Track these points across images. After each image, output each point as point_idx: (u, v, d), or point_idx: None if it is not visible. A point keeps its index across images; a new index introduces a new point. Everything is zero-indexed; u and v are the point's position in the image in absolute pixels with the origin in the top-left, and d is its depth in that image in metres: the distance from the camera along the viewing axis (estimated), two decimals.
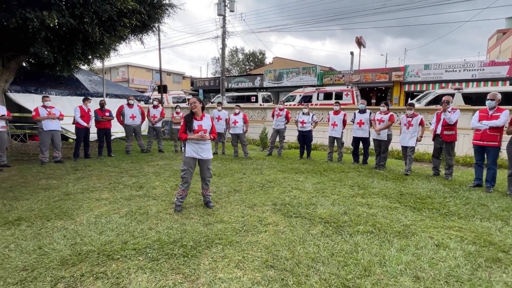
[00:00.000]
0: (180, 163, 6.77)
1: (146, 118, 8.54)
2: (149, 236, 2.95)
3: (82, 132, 7.13)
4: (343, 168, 6.37)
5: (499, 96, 4.86)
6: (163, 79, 14.45)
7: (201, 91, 30.34)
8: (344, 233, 3.11)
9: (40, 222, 3.28)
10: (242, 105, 13.38)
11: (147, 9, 8.22)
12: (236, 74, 40.68)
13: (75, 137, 7.66)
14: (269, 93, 21.41)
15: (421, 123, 6.01)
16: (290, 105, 15.54)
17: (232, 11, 17.66)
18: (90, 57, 8.97)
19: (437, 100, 11.13)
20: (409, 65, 20.10)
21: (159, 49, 12.41)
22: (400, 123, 6.45)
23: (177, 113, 8.64)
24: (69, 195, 4.25)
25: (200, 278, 2.29)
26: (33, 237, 2.91)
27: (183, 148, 3.90)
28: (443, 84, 18.08)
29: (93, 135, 7.69)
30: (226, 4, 17.31)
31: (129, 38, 9.10)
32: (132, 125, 8.08)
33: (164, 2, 8.95)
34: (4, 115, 6.18)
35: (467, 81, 17.62)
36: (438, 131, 5.76)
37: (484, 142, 4.88)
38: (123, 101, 9.22)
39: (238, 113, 7.95)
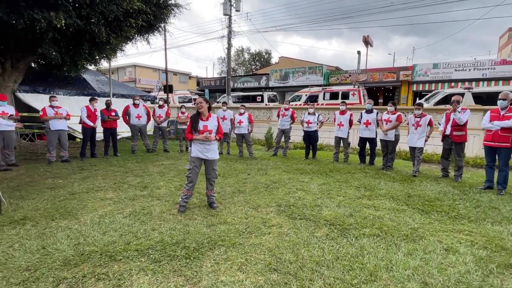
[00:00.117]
0: (185, 163, 6.81)
1: (152, 118, 8.57)
2: (152, 237, 2.93)
3: (89, 131, 7.19)
4: (349, 169, 6.27)
5: (511, 96, 4.72)
6: (169, 79, 14.53)
7: (207, 91, 30.43)
8: (349, 236, 3.04)
9: (45, 221, 3.30)
10: (247, 105, 13.33)
11: (153, 9, 8.25)
12: (242, 74, 40.70)
13: (82, 137, 7.73)
14: (275, 93, 21.34)
15: (430, 124, 5.88)
16: (295, 105, 15.46)
17: (238, 10, 17.65)
18: (97, 57, 9.07)
19: (446, 99, 10.92)
20: (417, 64, 19.78)
21: (165, 49, 12.46)
22: (408, 123, 6.33)
23: (182, 113, 8.65)
24: (74, 195, 4.27)
25: (202, 281, 2.25)
26: (37, 236, 2.92)
27: (189, 147, 3.90)
28: (453, 84, 17.74)
29: (99, 135, 7.76)
30: (232, 3, 17.30)
31: (135, 39, 9.17)
32: (137, 125, 8.12)
33: (170, 2, 8.98)
34: (12, 115, 6.26)
35: (477, 80, 17.25)
36: (448, 132, 5.62)
37: (496, 143, 4.74)
38: (129, 101, 9.28)
39: (243, 113, 7.91)
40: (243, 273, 2.37)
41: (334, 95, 16.36)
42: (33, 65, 9.63)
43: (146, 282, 2.22)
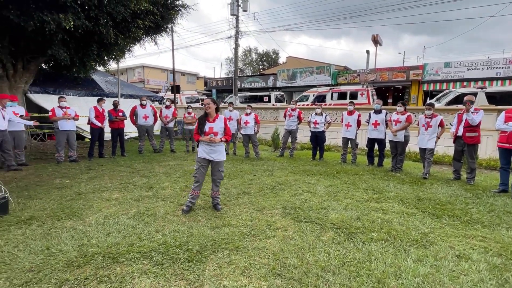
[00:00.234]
0: (192, 163, 6.81)
1: (159, 119, 8.61)
2: (155, 239, 2.91)
3: (97, 132, 7.26)
4: (357, 171, 6.15)
5: None
6: (177, 80, 14.66)
7: (214, 91, 30.52)
8: (356, 240, 2.95)
9: (50, 221, 3.32)
10: (254, 105, 13.28)
11: (160, 10, 8.30)
12: (250, 74, 40.69)
13: (90, 137, 7.82)
14: (282, 93, 21.23)
15: (441, 124, 5.71)
16: (303, 105, 15.33)
17: (245, 10, 17.63)
18: (105, 58, 9.16)
19: (458, 99, 10.63)
20: (428, 63, 19.37)
21: (172, 49, 12.53)
22: (418, 124, 6.16)
23: (189, 113, 8.66)
24: (81, 195, 4.30)
25: (204, 285, 2.21)
26: (42, 237, 2.93)
27: (195, 148, 3.91)
28: (465, 83, 17.30)
29: (107, 135, 7.83)
30: (239, 4, 17.29)
31: (143, 39, 9.23)
32: (144, 125, 8.17)
33: (177, 3, 9.02)
34: (22, 115, 6.38)
35: (491, 79, 16.77)
36: (460, 133, 5.44)
37: (511, 145, 4.56)
38: (137, 102, 9.35)
39: (250, 113, 7.87)
40: (246, 277, 2.32)
41: (342, 95, 16.15)
42: (43, 66, 9.80)
43: (148, 285, 2.19)
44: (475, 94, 9.93)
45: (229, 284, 2.22)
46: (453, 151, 5.82)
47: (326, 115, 7.51)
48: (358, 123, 7.04)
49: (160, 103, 12.37)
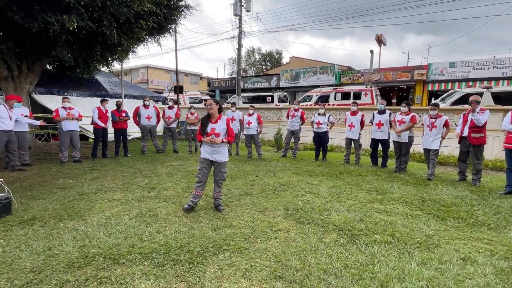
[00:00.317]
0: (194, 163, 6.81)
1: (162, 119, 8.62)
2: (157, 240, 2.90)
3: (100, 132, 7.29)
4: (361, 171, 6.10)
5: None
6: (181, 80, 14.68)
7: (217, 91, 30.56)
8: (359, 242, 2.92)
9: (53, 222, 3.33)
10: (256, 105, 13.27)
11: (163, 11, 8.31)
12: (253, 75, 40.68)
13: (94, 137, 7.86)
14: (285, 93, 21.18)
15: (446, 125, 5.64)
16: (306, 105, 15.28)
17: (248, 11, 17.64)
18: (109, 59, 9.20)
19: (463, 99, 10.52)
20: (432, 63, 19.20)
21: (175, 50, 12.56)
22: (422, 124, 6.09)
23: (192, 113, 8.67)
24: (83, 195, 4.31)
25: (204, 287, 2.20)
26: (44, 237, 2.94)
27: (198, 148, 3.93)
28: (470, 83, 17.11)
29: (110, 135, 7.86)
30: (242, 4, 17.29)
31: (146, 40, 9.26)
32: (147, 126, 8.19)
33: (180, 3, 9.03)
34: (27, 116, 6.43)
35: (497, 79, 16.56)
36: (465, 134, 5.36)
37: None
38: (140, 102, 9.39)
39: (252, 113, 7.85)
40: (247, 280, 2.29)
41: (345, 95, 16.07)
42: (48, 67, 9.88)
43: (148, 287, 2.18)
44: (481, 94, 9.80)
45: (229, 286, 2.20)
46: (458, 152, 5.74)
47: (329, 116, 7.46)
48: (362, 124, 6.98)
49: (163, 104, 12.40)
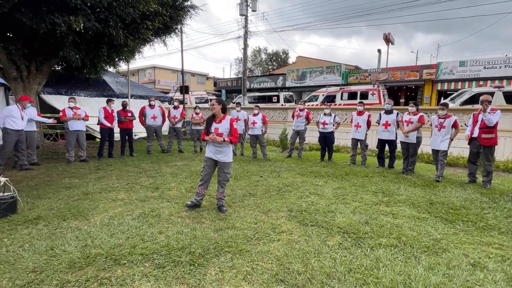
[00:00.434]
0: (199, 163, 6.80)
1: (167, 119, 8.65)
2: (158, 241, 2.88)
3: (106, 132, 7.36)
4: (367, 173, 6.00)
5: None
6: (187, 80, 14.77)
7: (223, 91, 30.61)
8: (364, 245, 2.84)
9: (56, 221, 3.35)
10: (262, 105, 13.23)
11: (169, 11, 8.33)
12: (259, 74, 40.64)
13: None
14: (291, 93, 21.08)
15: (455, 125, 5.49)
16: (311, 105, 15.16)
17: (254, 10, 17.63)
18: (116, 59, 9.27)
19: (473, 99, 10.27)
20: (442, 62, 18.84)
21: (181, 50, 12.61)
22: (431, 125, 5.96)
23: (197, 113, 8.67)
24: (88, 195, 4.34)
25: None
26: (48, 237, 2.95)
27: (203, 148, 3.95)
28: (481, 82, 16.73)
29: (117, 135, 7.93)
30: (248, 4, 17.27)
31: (152, 41, 9.30)
32: (153, 126, 8.23)
33: (185, 3, 9.04)
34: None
35: (509, 78, 16.15)
36: (475, 134, 5.21)
37: None
38: (146, 102, 9.45)
39: (257, 113, 7.81)
40: (248, 283, 2.25)
41: (352, 95, 15.89)
42: (56, 67, 10.02)
43: None
44: (492, 94, 9.55)
45: None
46: (468, 153, 5.59)
47: (335, 116, 7.38)
48: (368, 124, 6.87)
49: (169, 104, 12.46)
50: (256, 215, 3.62)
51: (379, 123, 6.56)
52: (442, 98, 17.68)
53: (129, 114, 7.71)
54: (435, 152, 5.72)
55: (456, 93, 12.68)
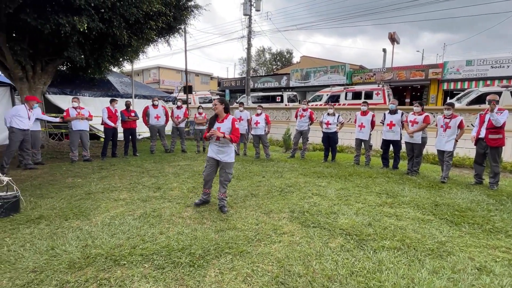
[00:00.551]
0: (202, 163, 6.80)
1: (170, 119, 8.67)
2: (159, 241, 2.87)
3: (110, 132, 7.40)
4: (371, 173, 5.93)
5: None
6: (191, 80, 14.81)
7: (227, 91, 30.63)
8: (367, 248, 2.80)
9: (58, 221, 3.35)
10: (265, 105, 13.20)
11: (172, 11, 8.34)
12: (263, 74, 40.59)
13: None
14: (295, 93, 20.98)
15: (461, 126, 5.40)
16: (315, 105, 15.08)
17: (258, 10, 17.57)
18: (120, 59, 9.32)
19: (480, 99, 10.11)
20: (448, 61, 18.60)
21: (185, 50, 12.62)
22: (436, 125, 5.86)
23: (200, 113, 8.68)
24: (90, 194, 4.35)
25: None
26: (49, 236, 2.96)
27: (205, 147, 3.97)
28: (488, 82, 16.47)
29: (120, 135, 7.96)
30: (252, 3, 17.23)
31: (156, 41, 9.32)
32: (156, 126, 8.25)
33: (189, 3, 9.04)
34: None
35: None
36: (482, 135, 5.12)
37: None
38: (149, 102, 9.48)
39: (260, 113, 7.78)
40: (248, 285, 2.22)
41: (356, 95, 15.77)
42: (61, 68, 10.11)
43: None
44: (499, 93, 9.40)
45: None
46: (474, 153, 5.49)
47: (338, 116, 7.31)
48: (372, 124, 6.79)
49: (173, 104, 12.49)
50: (258, 216, 3.59)
51: (383, 123, 6.48)
52: (448, 98, 17.45)
53: (133, 114, 7.73)
54: (441, 152, 5.63)
55: (462, 93, 12.50)
